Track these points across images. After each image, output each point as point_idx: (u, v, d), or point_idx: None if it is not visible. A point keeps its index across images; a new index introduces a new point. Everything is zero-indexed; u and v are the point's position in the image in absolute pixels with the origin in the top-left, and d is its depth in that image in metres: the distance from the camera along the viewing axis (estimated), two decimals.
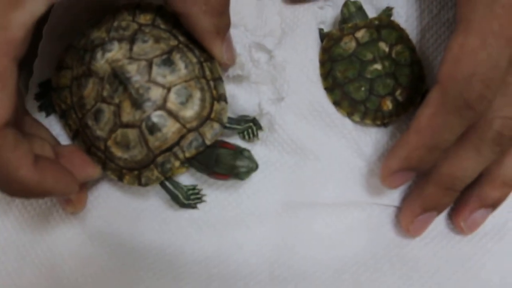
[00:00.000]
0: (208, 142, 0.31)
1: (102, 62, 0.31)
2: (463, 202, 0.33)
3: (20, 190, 0.27)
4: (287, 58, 0.35)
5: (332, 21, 0.37)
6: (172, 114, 0.30)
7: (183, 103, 0.30)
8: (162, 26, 0.33)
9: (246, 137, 0.34)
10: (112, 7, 0.33)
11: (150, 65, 0.30)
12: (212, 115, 0.31)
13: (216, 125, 0.31)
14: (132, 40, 0.31)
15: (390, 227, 0.34)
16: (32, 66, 0.35)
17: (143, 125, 0.30)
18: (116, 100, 0.30)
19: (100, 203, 0.34)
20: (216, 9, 0.30)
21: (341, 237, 0.34)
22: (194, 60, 0.32)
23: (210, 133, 0.31)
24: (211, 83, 0.32)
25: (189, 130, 0.30)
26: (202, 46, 0.32)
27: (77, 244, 0.33)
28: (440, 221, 0.34)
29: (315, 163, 0.34)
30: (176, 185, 0.32)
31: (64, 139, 0.34)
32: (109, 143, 0.30)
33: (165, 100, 0.30)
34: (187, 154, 0.30)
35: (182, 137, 0.30)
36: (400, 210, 0.34)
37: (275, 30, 0.36)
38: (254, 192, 0.34)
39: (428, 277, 0.33)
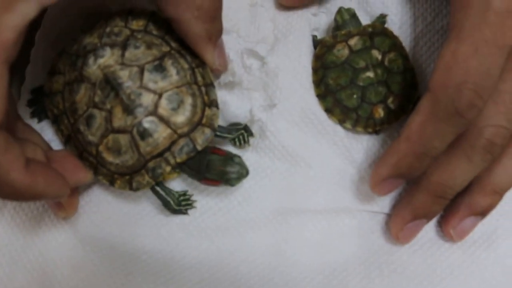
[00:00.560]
0: (199, 148, 0.31)
1: (94, 67, 0.31)
2: (453, 209, 0.34)
3: (11, 193, 0.27)
4: (280, 64, 0.36)
5: (326, 27, 0.38)
6: (163, 120, 0.30)
7: (175, 109, 0.31)
8: (155, 32, 0.33)
9: (237, 143, 0.34)
10: (105, 13, 0.34)
11: (142, 71, 0.31)
12: (204, 121, 0.32)
13: (207, 131, 0.32)
14: (124, 46, 0.32)
15: (379, 234, 0.35)
16: (24, 72, 0.35)
17: (135, 130, 0.30)
18: (108, 106, 0.30)
19: (92, 208, 0.34)
20: (208, 14, 0.30)
21: (331, 243, 0.34)
22: (186, 66, 0.32)
23: (201, 138, 0.31)
24: (203, 89, 0.32)
25: (180, 136, 0.31)
26: (194, 52, 0.33)
27: (68, 248, 0.34)
28: (429, 228, 0.35)
29: (307, 170, 0.35)
30: (168, 191, 0.33)
31: (56, 145, 0.34)
32: (101, 148, 0.31)
33: (156, 106, 0.30)
34: (178, 160, 0.31)
35: (173, 142, 0.31)
36: (390, 217, 0.34)
37: (268, 36, 0.36)
38: (245, 198, 0.35)
39: (417, 284, 0.34)
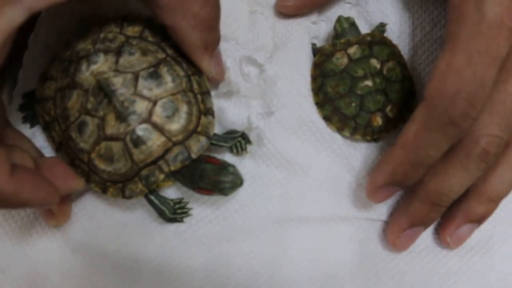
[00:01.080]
0: (194, 156, 0.31)
1: (87, 74, 0.31)
2: (449, 217, 0.35)
3: None
4: (278, 72, 0.36)
5: (325, 36, 0.38)
6: (157, 127, 0.30)
7: (169, 117, 0.31)
8: (150, 38, 0.33)
9: (235, 150, 0.34)
10: (100, 19, 0.34)
11: (136, 78, 0.31)
12: (199, 129, 0.32)
13: (203, 139, 0.31)
14: (118, 52, 0.31)
15: (377, 241, 0.35)
16: (16, 76, 0.35)
17: (128, 138, 0.30)
18: (101, 113, 0.30)
19: (85, 216, 0.34)
20: (205, 23, 0.30)
21: (329, 251, 0.35)
22: (182, 73, 0.32)
23: (196, 146, 0.31)
24: (199, 96, 0.32)
25: (175, 144, 0.31)
26: (190, 60, 0.33)
27: (59, 257, 0.34)
28: (426, 236, 0.35)
29: (304, 177, 0.35)
30: (163, 200, 0.33)
31: (48, 152, 0.34)
32: (93, 155, 0.31)
33: (150, 113, 0.30)
34: (172, 168, 0.31)
35: (168, 150, 0.31)
36: (387, 225, 0.35)
37: (267, 44, 0.37)
38: (241, 206, 0.35)
39: None
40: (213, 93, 0.35)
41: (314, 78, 0.36)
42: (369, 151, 0.36)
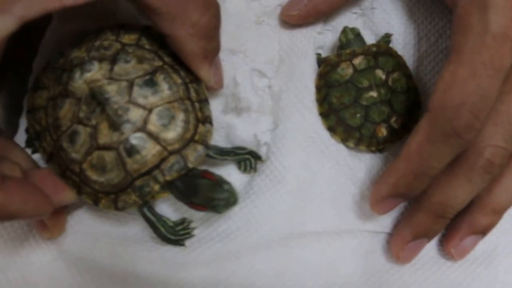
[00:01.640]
0: (190, 165, 0.30)
1: (80, 82, 0.30)
2: (453, 228, 0.35)
3: None
4: (283, 86, 0.36)
5: (330, 45, 0.39)
6: (152, 136, 0.30)
7: (165, 125, 0.30)
8: (147, 46, 0.32)
9: (243, 168, 0.34)
10: (98, 27, 0.33)
11: (131, 85, 0.30)
12: (196, 137, 0.31)
13: (200, 148, 0.31)
14: (113, 60, 0.31)
15: (381, 253, 0.35)
16: (25, 82, 0.35)
17: (121, 147, 0.29)
18: (93, 122, 0.30)
19: (82, 229, 0.34)
20: (204, 32, 0.30)
21: (333, 263, 0.35)
22: (179, 81, 0.32)
23: (193, 155, 0.31)
24: (196, 104, 0.32)
25: (171, 153, 0.30)
26: (188, 67, 0.32)
27: (53, 270, 0.33)
28: (430, 247, 0.36)
29: (308, 191, 0.35)
30: (158, 217, 0.32)
31: (43, 163, 0.33)
32: (84, 166, 0.30)
33: (145, 121, 0.30)
34: (168, 177, 0.30)
35: (163, 159, 0.30)
36: (391, 237, 0.35)
37: (273, 57, 0.37)
38: (244, 222, 0.34)
39: None
40: (220, 108, 0.36)
41: (318, 89, 0.37)
42: (373, 162, 0.37)
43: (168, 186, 0.31)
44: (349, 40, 0.37)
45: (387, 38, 0.38)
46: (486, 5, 0.29)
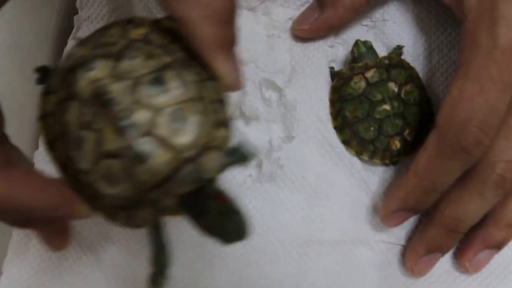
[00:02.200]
0: (208, 175, 0.27)
1: (84, 82, 0.27)
2: (467, 242, 0.35)
3: None
4: (297, 96, 0.37)
5: (343, 59, 0.39)
6: (161, 141, 0.26)
7: (176, 129, 0.26)
8: (156, 41, 0.29)
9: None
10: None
11: (137, 84, 0.27)
12: (212, 143, 0.27)
13: (217, 155, 0.27)
14: (118, 57, 0.28)
15: (396, 266, 0.36)
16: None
17: (128, 154, 0.26)
18: (98, 126, 0.27)
19: (120, 240, 0.35)
20: (219, 15, 0.27)
21: (349, 273, 0.35)
22: (192, 79, 0.28)
23: (210, 164, 0.27)
24: (211, 106, 0.28)
25: (184, 161, 0.26)
26: (203, 64, 0.28)
27: (93, 282, 0.35)
28: (445, 260, 0.36)
29: (325, 201, 0.36)
30: (166, 244, 0.28)
31: None
32: (94, 177, 0.27)
33: (153, 124, 0.26)
34: (183, 189, 0.26)
35: (176, 169, 0.26)
36: (406, 249, 0.36)
37: (285, 67, 0.38)
38: (264, 230, 0.36)
39: None
40: (233, 116, 0.36)
41: (332, 102, 0.37)
42: (387, 174, 0.37)
43: (182, 203, 0.27)
44: (361, 53, 0.37)
45: (398, 50, 0.38)
46: (495, 19, 0.29)
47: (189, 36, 0.27)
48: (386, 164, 0.37)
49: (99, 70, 0.27)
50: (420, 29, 0.39)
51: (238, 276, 0.35)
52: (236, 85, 0.29)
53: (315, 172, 0.36)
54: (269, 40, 0.38)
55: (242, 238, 0.27)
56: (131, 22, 0.30)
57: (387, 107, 0.36)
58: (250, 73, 0.37)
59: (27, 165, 0.29)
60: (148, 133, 0.26)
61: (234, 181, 0.36)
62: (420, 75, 0.38)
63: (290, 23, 0.38)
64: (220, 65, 0.28)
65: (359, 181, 0.37)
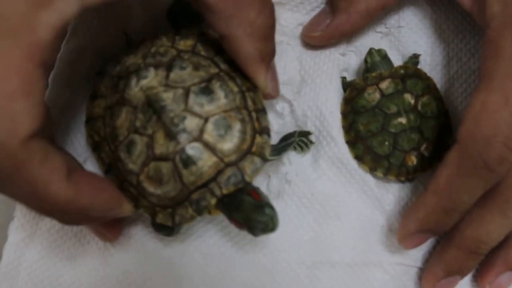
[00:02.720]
0: (248, 178, 0.29)
1: (136, 89, 0.30)
2: (488, 264, 0.34)
3: (53, 209, 0.25)
4: (307, 110, 0.36)
5: (355, 68, 0.37)
6: (208, 147, 0.29)
7: (221, 135, 0.29)
8: (203, 53, 0.32)
9: (299, 149, 0.35)
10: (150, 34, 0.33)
11: (187, 93, 0.29)
12: (253, 149, 0.30)
13: (257, 160, 0.30)
14: (169, 67, 0.30)
15: None
16: None
17: (177, 158, 0.29)
18: (149, 131, 0.29)
19: (133, 244, 0.34)
20: (261, 32, 0.29)
21: None
22: (236, 89, 0.31)
23: (250, 168, 0.30)
24: (253, 114, 0.31)
25: (227, 165, 0.29)
26: (244, 75, 0.31)
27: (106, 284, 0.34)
28: (464, 283, 0.34)
29: (335, 220, 0.35)
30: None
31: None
32: (142, 177, 0.29)
33: (201, 131, 0.29)
34: (225, 191, 0.29)
35: (220, 172, 0.29)
36: (423, 272, 0.34)
37: (294, 78, 0.36)
38: (271, 250, 0.34)
39: None
40: None
41: (344, 115, 0.35)
42: (402, 192, 0.35)
43: (222, 200, 0.30)
44: (375, 62, 0.35)
45: (415, 58, 0.36)
46: None
47: (232, 51, 0.30)
48: (401, 181, 0.35)
49: (152, 79, 0.30)
50: (438, 37, 0.37)
51: None
52: (274, 94, 0.32)
53: (325, 189, 0.35)
54: (277, 47, 0.36)
55: (272, 230, 0.29)
56: (178, 33, 0.33)
57: (402, 120, 0.34)
58: None
59: (82, 168, 0.31)
60: (197, 138, 0.29)
61: None
62: (438, 85, 0.36)
63: (300, 29, 0.37)
64: (262, 77, 0.31)
65: (372, 199, 0.35)
